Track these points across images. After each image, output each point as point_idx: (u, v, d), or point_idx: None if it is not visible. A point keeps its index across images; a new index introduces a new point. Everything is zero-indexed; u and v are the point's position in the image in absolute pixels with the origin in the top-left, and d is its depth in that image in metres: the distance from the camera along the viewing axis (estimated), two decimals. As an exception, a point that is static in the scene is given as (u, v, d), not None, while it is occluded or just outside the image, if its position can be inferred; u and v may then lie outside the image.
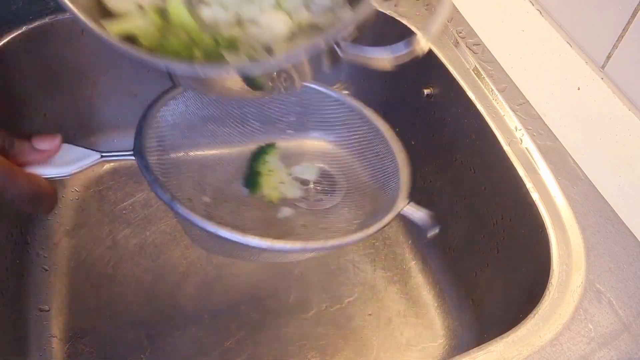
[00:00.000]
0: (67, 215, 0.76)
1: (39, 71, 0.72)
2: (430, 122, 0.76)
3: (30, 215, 0.72)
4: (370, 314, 0.71)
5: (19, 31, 0.69)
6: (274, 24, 0.48)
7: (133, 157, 0.51)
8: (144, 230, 0.75)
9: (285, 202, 0.67)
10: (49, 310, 0.67)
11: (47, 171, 0.48)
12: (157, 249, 0.74)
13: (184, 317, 0.68)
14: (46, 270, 0.70)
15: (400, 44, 0.45)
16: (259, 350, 0.66)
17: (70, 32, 0.72)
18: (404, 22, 0.75)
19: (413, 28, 0.74)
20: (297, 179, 0.69)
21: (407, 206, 0.55)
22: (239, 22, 0.48)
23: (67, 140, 0.50)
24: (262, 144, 0.67)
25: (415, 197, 0.81)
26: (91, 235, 0.74)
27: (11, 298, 0.63)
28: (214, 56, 0.47)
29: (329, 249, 0.52)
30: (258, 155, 0.66)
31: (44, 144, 0.48)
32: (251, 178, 0.66)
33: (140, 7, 0.48)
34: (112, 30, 0.48)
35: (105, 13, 0.49)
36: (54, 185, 0.47)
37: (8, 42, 0.68)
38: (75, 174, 0.50)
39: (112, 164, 0.81)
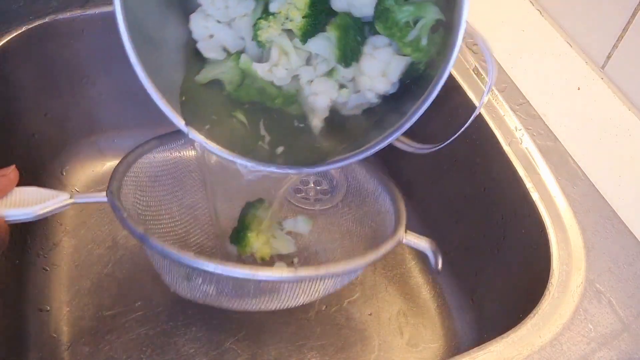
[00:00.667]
0: (67, 215, 0.76)
1: (39, 71, 0.73)
2: (430, 121, 0.76)
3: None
4: (370, 314, 0.71)
5: (19, 31, 0.69)
6: (321, 93, 0.52)
7: (106, 200, 0.49)
8: (144, 230, 0.75)
9: (278, 257, 0.64)
10: (49, 310, 0.67)
11: (10, 212, 0.44)
12: (157, 249, 0.74)
13: (184, 317, 0.68)
14: (46, 270, 0.70)
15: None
16: (259, 350, 0.66)
17: (70, 32, 0.72)
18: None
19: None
20: (290, 233, 0.66)
21: (409, 235, 0.53)
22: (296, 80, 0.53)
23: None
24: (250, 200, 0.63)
25: (415, 196, 0.81)
26: (91, 235, 0.74)
27: (11, 298, 0.63)
28: (285, 103, 0.54)
29: (321, 276, 0.48)
30: (246, 210, 0.62)
31: None
32: (239, 234, 0.61)
33: (227, 50, 0.54)
34: (200, 79, 0.54)
35: None
36: (8, 228, 0.44)
37: (8, 42, 0.68)
38: (41, 216, 0.46)
39: (112, 163, 0.81)
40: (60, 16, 0.71)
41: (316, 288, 0.51)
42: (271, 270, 0.46)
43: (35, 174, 0.75)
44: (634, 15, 0.58)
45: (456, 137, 0.67)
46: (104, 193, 0.49)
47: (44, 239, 0.72)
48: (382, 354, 0.68)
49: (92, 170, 0.80)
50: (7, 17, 0.69)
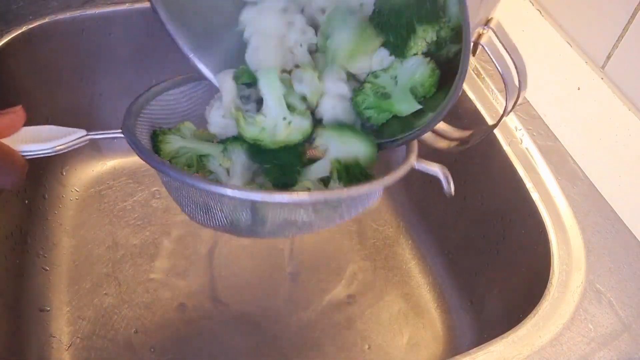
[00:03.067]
0: (67, 215, 0.76)
1: (39, 71, 0.73)
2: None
3: (31, 215, 0.72)
4: (370, 314, 0.71)
5: (19, 31, 0.69)
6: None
7: (122, 135, 0.49)
8: (144, 230, 0.75)
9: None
10: (49, 310, 0.67)
11: (28, 147, 0.46)
12: (157, 249, 0.74)
13: (183, 316, 0.68)
14: (46, 270, 0.70)
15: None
16: (259, 350, 0.66)
17: (70, 32, 0.72)
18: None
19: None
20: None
21: (420, 162, 0.52)
22: None
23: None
24: None
25: (414, 196, 0.81)
26: (91, 235, 0.74)
27: (11, 298, 0.63)
28: None
29: (338, 197, 0.47)
30: None
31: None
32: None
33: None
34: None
35: None
36: (26, 161, 0.45)
37: (8, 42, 0.68)
38: (59, 150, 0.47)
39: (112, 163, 0.81)
40: (60, 16, 0.71)
41: (333, 214, 0.51)
42: (288, 193, 0.46)
43: (36, 174, 0.75)
44: (634, 15, 0.57)
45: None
46: (119, 129, 0.49)
47: (44, 239, 0.72)
48: (383, 354, 0.68)
49: (92, 170, 0.80)
50: (7, 17, 0.69)
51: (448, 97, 0.45)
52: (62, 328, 0.66)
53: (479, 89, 0.70)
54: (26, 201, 0.71)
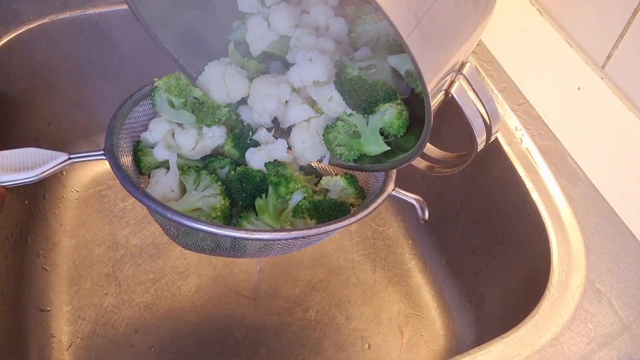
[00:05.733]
0: (67, 215, 0.76)
1: (39, 71, 0.73)
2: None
3: (31, 215, 0.72)
4: (370, 314, 0.71)
5: (19, 31, 0.69)
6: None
7: (104, 157, 0.48)
8: (143, 230, 0.75)
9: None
10: (49, 310, 0.67)
11: (9, 177, 0.44)
12: (157, 249, 0.74)
13: (183, 317, 0.68)
14: (46, 270, 0.70)
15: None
16: (259, 350, 0.66)
17: (70, 32, 0.72)
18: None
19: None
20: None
21: (398, 191, 0.53)
22: None
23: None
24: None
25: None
26: (91, 235, 0.74)
27: (11, 298, 0.63)
28: None
29: (315, 235, 0.49)
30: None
31: None
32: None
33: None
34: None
35: None
36: (6, 190, 0.44)
37: (8, 42, 0.68)
38: (41, 177, 0.46)
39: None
40: (60, 16, 0.71)
41: (308, 242, 0.53)
42: (266, 231, 0.47)
43: (35, 174, 0.75)
44: (634, 15, 0.57)
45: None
46: (102, 150, 0.48)
47: (44, 239, 0.72)
48: (382, 354, 0.68)
49: (92, 170, 0.80)
50: (6, 17, 0.69)
51: (417, 146, 0.47)
52: (62, 328, 0.66)
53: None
54: (26, 201, 0.71)
